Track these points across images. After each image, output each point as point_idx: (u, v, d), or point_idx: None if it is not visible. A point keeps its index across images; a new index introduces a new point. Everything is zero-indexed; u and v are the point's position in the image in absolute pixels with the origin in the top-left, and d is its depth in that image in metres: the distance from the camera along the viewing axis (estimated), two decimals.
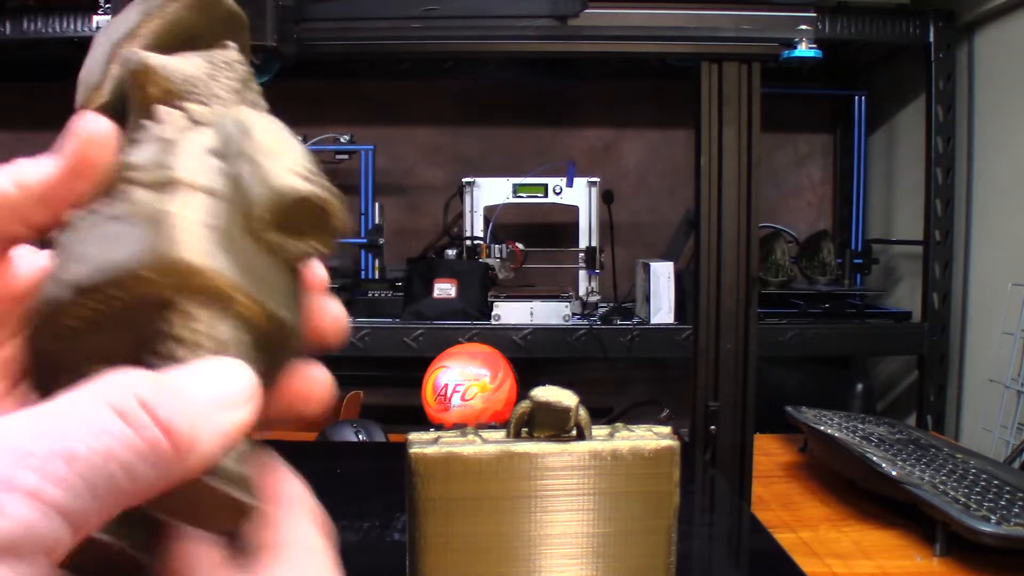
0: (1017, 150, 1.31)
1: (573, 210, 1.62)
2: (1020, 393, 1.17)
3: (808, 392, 1.46)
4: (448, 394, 0.94)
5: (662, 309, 1.48)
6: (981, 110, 1.43)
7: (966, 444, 1.18)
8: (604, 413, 1.35)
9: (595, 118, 1.94)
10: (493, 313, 1.48)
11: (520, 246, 1.60)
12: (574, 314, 1.49)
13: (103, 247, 0.20)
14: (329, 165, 1.68)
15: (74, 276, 0.20)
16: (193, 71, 0.26)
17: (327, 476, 0.69)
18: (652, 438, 0.30)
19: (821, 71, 1.78)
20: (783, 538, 0.66)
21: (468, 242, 1.59)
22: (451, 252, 1.61)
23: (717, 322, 0.81)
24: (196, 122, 0.25)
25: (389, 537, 0.56)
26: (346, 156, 1.69)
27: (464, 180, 1.62)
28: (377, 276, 1.67)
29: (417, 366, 1.04)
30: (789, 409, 0.97)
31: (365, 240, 1.66)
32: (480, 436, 0.30)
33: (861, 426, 0.93)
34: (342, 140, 1.67)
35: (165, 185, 0.22)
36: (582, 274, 1.59)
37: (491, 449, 0.29)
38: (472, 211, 1.61)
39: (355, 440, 0.94)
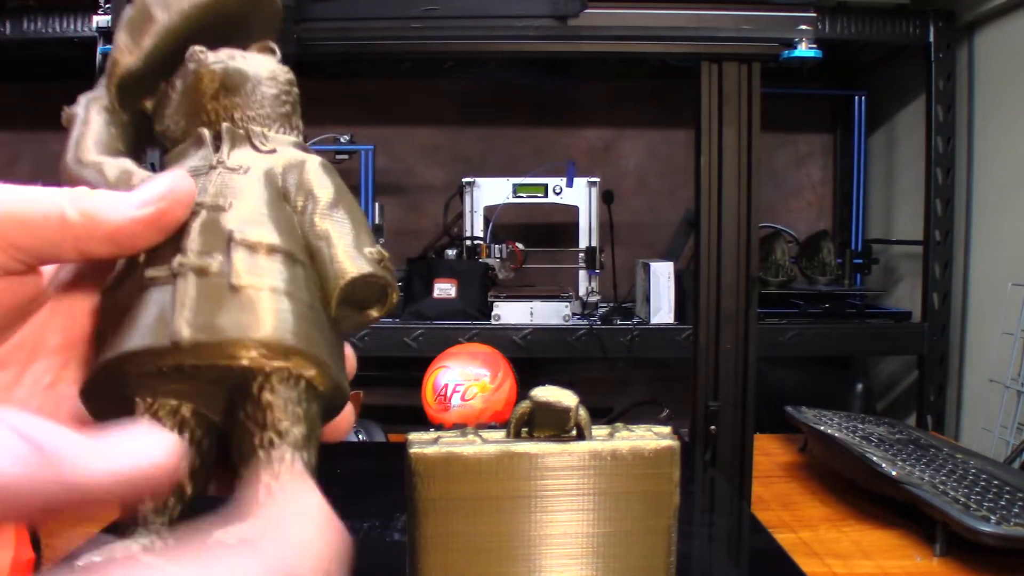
0: (1017, 150, 1.31)
1: (573, 210, 1.62)
2: (1020, 393, 1.17)
3: (808, 392, 1.46)
4: (448, 394, 0.94)
5: (662, 309, 1.48)
6: (981, 110, 1.43)
7: (966, 444, 1.18)
8: (604, 413, 1.35)
9: (595, 118, 1.94)
10: (493, 313, 1.48)
11: (520, 246, 1.59)
12: (574, 314, 1.49)
13: (206, 307, 0.22)
14: None
15: (178, 330, 0.21)
16: (250, 75, 0.28)
17: (327, 476, 0.68)
18: (652, 438, 0.30)
19: (821, 71, 1.78)
20: (783, 538, 0.66)
21: (468, 242, 1.59)
22: (451, 252, 1.61)
23: (717, 322, 0.81)
24: (260, 151, 0.27)
25: (389, 537, 0.56)
26: (346, 156, 1.69)
27: (464, 180, 1.62)
28: None
29: (417, 366, 1.04)
30: (789, 409, 0.97)
31: None
32: (480, 436, 0.30)
33: (861, 426, 0.93)
34: (342, 140, 1.67)
35: (254, 246, 0.23)
36: (582, 274, 1.59)
37: (491, 449, 0.29)
38: (472, 211, 1.61)
39: (355, 440, 0.94)
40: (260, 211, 0.24)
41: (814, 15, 0.79)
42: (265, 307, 0.22)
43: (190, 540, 0.19)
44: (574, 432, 0.30)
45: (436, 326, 1.44)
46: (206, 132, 0.27)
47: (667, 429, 0.31)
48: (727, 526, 0.69)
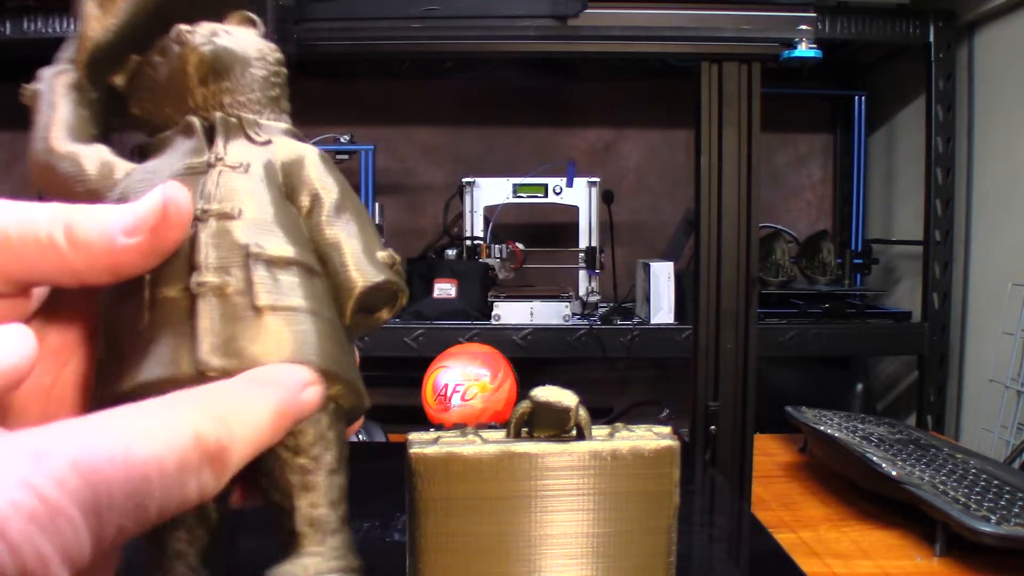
0: (1017, 150, 1.31)
1: (573, 210, 1.62)
2: (1020, 393, 1.17)
3: (808, 392, 1.46)
4: (448, 394, 0.94)
5: (662, 309, 1.48)
6: (981, 110, 1.43)
7: (966, 444, 1.18)
8: (604, 413, 1.35)
9: (595, 118, 1.94)
10: (493, 313, 1.47)
11: (520, 246, 1.59)
12: (574, 314, 1.49)
13: (230, 331, 0.21)
14: None
15: (204, 359, 0.21)
16: (239, 56, 0.25)
17: None
18: (652, 438, 0.30)
19: (821, 71, 1.78)
20: (783, 538, 0.66)
21: (468, 242, 1.59)
22: (451, 252, 1.61)
23: (717, 322, 0.81)
24: (255, 143, 0.25)
25: (389, 537, 0.56)
26: (346, 156, 1.69)
27: (464, 180, 1.62)
28: None
29: (417, 366, 1.04)
30: (789, 409, 0.97)
31: None
32: (480, 436, 0.30)
33: (861, 426, 0.93)
34: (342, 140, 1.67)
35: (272, 261, 0.22)
36: (582, 274, 1.59)
37: (491, 449, 0.29)
38: (472, 211, 1.61)
39: (355, 440, 0.94)
40: (269, 218, 0.23)
41: (814, 15, 0.79)
42: (290, 329, 0.22)
43: None
44: (574, 432, 0.30)
45: (436, 326, 1.44)
46: (197, 122, 0.25)
47: (667, 429, 0.31)
48: (727, 526, 0.68)
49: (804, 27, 0.79)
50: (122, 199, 0.23)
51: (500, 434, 0.30)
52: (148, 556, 0.22)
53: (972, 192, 1.45)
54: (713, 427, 0.81)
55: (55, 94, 0.26)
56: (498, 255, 1.58)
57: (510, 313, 1.48)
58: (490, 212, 1.62)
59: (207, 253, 0.22)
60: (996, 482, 0.74)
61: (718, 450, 0.81)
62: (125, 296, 0.23)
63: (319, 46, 0.77)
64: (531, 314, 1.49)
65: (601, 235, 1.61)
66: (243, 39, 0.26)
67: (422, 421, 0.96)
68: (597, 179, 1.62)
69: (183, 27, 0.25)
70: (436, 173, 1.91)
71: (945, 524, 0.68)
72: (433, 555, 0.29)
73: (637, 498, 0.30)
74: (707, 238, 0.80)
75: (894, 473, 0.74)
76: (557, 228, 1.82)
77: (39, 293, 0.24)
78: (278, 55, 0.27)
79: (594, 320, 1.49)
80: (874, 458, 0.78)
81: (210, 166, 0.24)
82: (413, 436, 0.30)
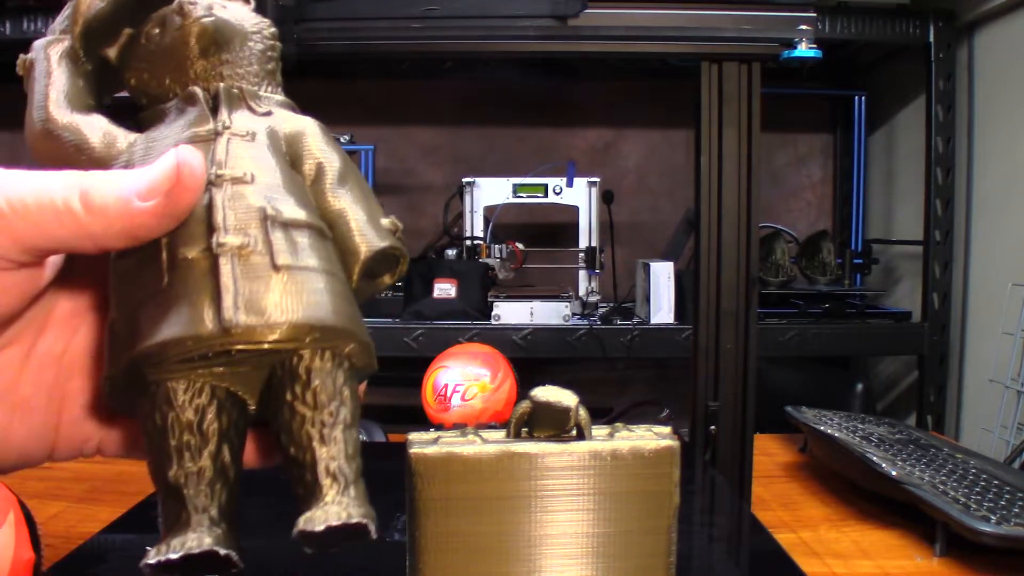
0: (1017, 150, 1.31)
1: (573, 210, 1.62)
2: (1020, 393, 1.17)
3: (808, 392, 1.46)
4: (448, 394, 0.94)
5: (662, 309, 1.48)
6: (981, 110, 1.43)
7: (966, 444, 1.18)
8: (604, 413, 1.35)
9: (595, 118, 1.94)
10: (493, 313, 1.47)
11: (520, 246, 1.59)
12: (574, 314, 1.49)
13: (253, 288, 0.22)
14: None
15: (228, 314, 0.21)
16: (238, 30, 0.26)
17: None
18: (652, 438, 0.30)
19: (821, 71, 1.78)
20: (783, 538, 0.66)
21: (468, 242, 1.59)
22: (451, 252, 1.61)
23: (717, 322, 0.81)
24: (256, 113, 0.26)
25: (389, 537, 0.56)
26: None
27: (464, 180, 1.62)
28: None
29: (417, 366, 1.04)
30: (789, 409, 0.97)
31: None
32: (480, 436, 0.30)
33: (861, 426, 0.93)
34: (342, 140, 1.67)
35: (289, 223, 0.23)
36: (582, 274, 1.59)
37: (491, 449, 0.29)
38: (472, 211, 1.61)
39: None
40: (280, 183, 0.24)
41: (814, 15, 0.79)
42: (309, 288, 0.22)
43: None
44: (574, 432, 0.30)
45: (436, 326, 1.44)
46: (200, 92, 0.25)
47: (667, 429, 0.31)
48: (727, 526, 0.68)
49: (804, 27, 0.79)
50: (128, 168, 0.24)
51: (500, 434, 0.30)
52: (170, 510, 0.22)
53: (972, 192, 1.45)
54: (713, 427, 0.81)
55: (50, 64, 0.25)
56: (498, 255, 1.58)
57: (510, 313, 1.48)
58: (490, 212, 1.62)
59: (225, 215, 0.22)
60: (996, 482, 0.74)
61: (718, 450, 0.81)
62: (142, 263, 0.23)
63: (319, 46, 0.77)
64: (531, 314, 1.49)
65: (601, 235, 1.61)
66: (240, 13, 0.27)
67: (422, 421, 0.96)
68: (597, 179, 1.62)
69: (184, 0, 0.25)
70: (436, 173, 1.91)
71: (945, 524, 0.68)
72: (433, 555, 0.29)
73: (637, 498, 0.30)
74: (707, 238, 0.80)
75: (894, 473, 0.74)
76: (557, 228, 1.82)
77: (54, 263, 0.24)
78: (273, 30, 0.28)
79: (594, 320, 1.49)
80: (874, 458, 0.78)
81: (217, 134, 0.24)
82: (413, 436, 0.30)
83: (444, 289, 1.49)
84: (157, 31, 0.25)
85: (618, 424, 0.31)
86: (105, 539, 0.61)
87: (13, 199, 0.21)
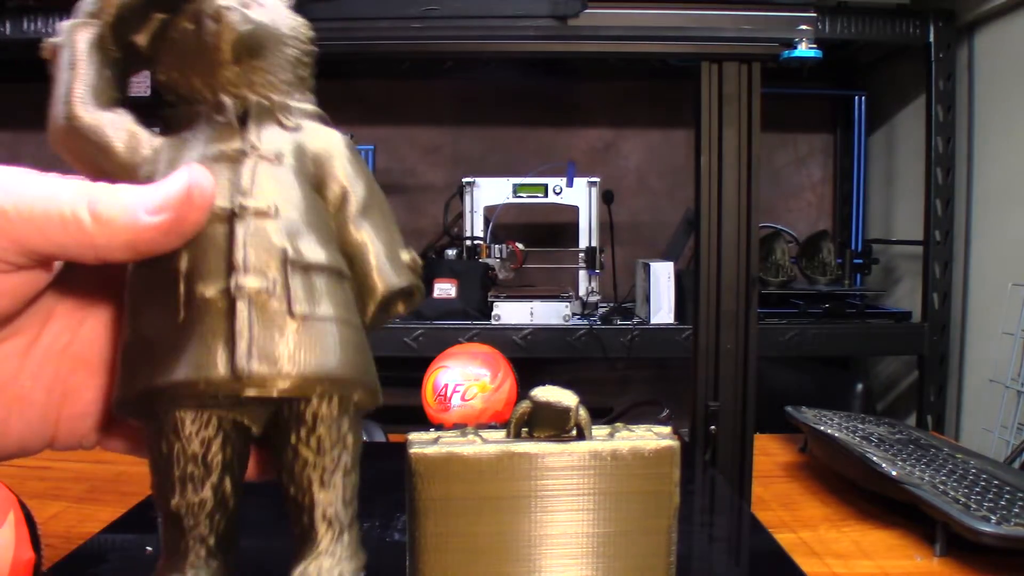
0: (1017, 150, 1.31)
1: (573, 210, 1.62)
2: (1020, 393, 1.17)
3: (808, 392, 1.46)
4: (448, 394, 0.94)
5: (662, 309, 1.48)
6: (981, 110, 1.43)
7: (966, 444, 1.18)
8: (604, 413, 1.35)
9: (595, 118, 1.94)
10: (493, 313, 1.47)
11: (520, 246, 1.59)
12: (574, 314, 1.49)
13: (267, 336, 0.22)
14: None
15: (241, 363, 0.21)
16: (273, 35, 0.25)
17: None
18: (652, 438, 0.30)
19: (821, 71, 1.77)
20: (783, 538, 0.66)
21: (468, 242, 1.59)
22: (451, 252, 1.61)
23: (717, 322, 0.81)
24: (285, 128, 0.25)
25: (389, 537, 0.56)
26: None
27: (464, 180, 1.62)
28: None
29: (417, 366, 1.04)
30: (789, 409, 0.97)
31: None
32: (480, 436, 0.30)
33: (861, 426, 0.93)
34: None
35: (308, 267, 0.23)
36: (582, 274, 1.59)
37: (491, 449, 0.29)
38: (472, 211, 1.61)
39: None
40: (303, 217, 0.24)
41: (814, 15, 0.79)
42: (322, 339, 0.22)
43: None
44: (574, 432, 0.30)
45: (436, 326, 1.44)
46: (229, 103, 0.24)
47: (667, 429, 0.31)
48: (727, 526, 0.68)
49: (804, 27, 0.79)
50: (148, 180, 0.23)
51: (500, 434, 0.30)
52: (170, 537, 0.23)
53: (972, 192, 1.45)
54: (713, 427, 0.81)
55: (76, 51, 0.24)
56: (498, 255, 1.58)
57: (510, 313, 1.48)
58: (490, 212, 1.62)
59: (246, 254, 0.22)
60: (996, 482, 0.74)
61: (718, 450, 0.81)
62: (158, 288, 0.23)
63: (319, 46, 0.77)
64: (531, 314, 1.49)
65: (601, 235, 1.61)
66: (277, 14, 0.26)
67: (422, 421, 0.96)
68: (597, 179, 1.62)
69: (220, 2, 0.24)
70: (436, 173, 1.91)
71: (945, 524, 0.68)
72: (433, 555, 0.29)
73: (637, 498, 0.30)
74: (707, 238, 0.80)
75: (894, 473, 0.74)
76: (557, 228, 1.82)
77: (56, 264, 0.24)
78: (310, 33, 0.27)
79: (594, 320, 1.49)
80: (874, 458, 0.78)
81: (244, 155, 0.24)
82: (413, 436, 0.30)
83: (444, 289, 1.49)
84: (191, 27, 0.24)
85: (618, 424, 0.31)
86: (105, 539, 0.61)
87: (19, 202, 0.21)
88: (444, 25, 0.77)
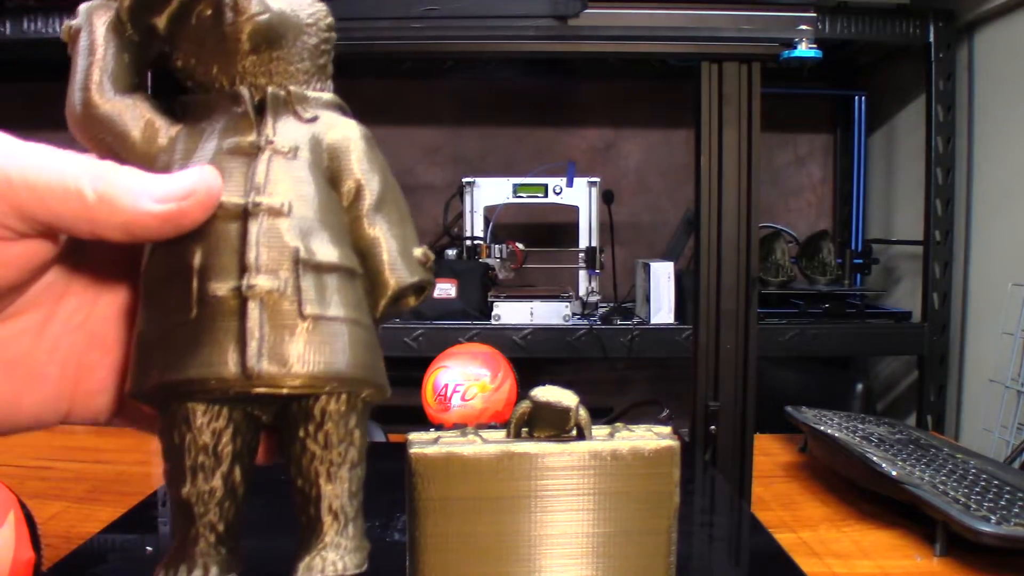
0: (1017, 150, 1.31)
1: (573, 210, 1.62)
2: (1020, 393, 1.17)
3: (808, 392, 1.46)
4: (448, 394, 0.94)
5: (662, 309, 1.48)
6: (981, 110, 1.43)
7: (966, 444, 1.18)
8: (604, 413, 1.35)
9: (595, 118, 1.94)
10: (493, 313, 1.47)
11: (520, 246, 1.59)
12: (574, 314, 1.49)
13: (278, 336, 0.22)
14: None
15: (251, 363, 0.22)
16: (293, 24, 0.25)
17: None
18: (652, 438, 0.30)
19: (821, 71, 1.77)
20: (783, 538, 0.66)
21: (468, 242, 1.59)
22: (451, 252, 1.61)
23: (717, 322, 0.81)
24: (302, 119, 0.25)
25: (389, 537, 0.56)
26: None
27: (464, 180, 1.62)
28: None
29: (417, 366, 1.04)
30: (789, 409, 0.97)
31: None
32: (480, 436, 0.30)
33: (861, 426, 0.93)
34: None
35: (320, 266, 0.23)
36: (582, 274, 1.59)
37: (491, 449, 0.29)
38: (472, 211, 1.61)
39: None
40: (317, 215, 0.24)
41: (814, 15, 0.79)
42: (332, 339, 0.23)
43: None
44: (574, 432, 0.30)
45: (436, 326, 1.44)
46: (246, 94, 0.24)
47: (667, 429, 0.31)
48: (727, 526, 0.68)
49: (804, 27, 0.79)
50: (164, 171, 0.23)
51: (500, 434, 0.30)
52: (181, 524, 0.23)
53: (972, 192, 1.45)
54: (713, 427, 0.81)
55: (94, 34, 0.24)
56: (498, 255, 1.58)
57: (510, 313, 1.48)
58: (490, 212, 1.62)
59: (258, 253, 0.22)
60: (996, 482, 0.74)
61: (718, 450, 0.81)
62: (172, 282, 0.23)
63: None
64: (531, 314, 1.49)
65: (601, 235, 1.60)
66: (296, 2, 0.25)
67: (422, 421, 0.96)
68: (597, 179, 1.62)
69: None
70: (436, 173, 1.91)
71: (945, 524, 0.68)
72: (433, 555, 0.29)
73: (637, 498, 0.30)
74: (707, 238, 0.80)
75: (894, 473, 0.74)
76: (557, 228, 1.82)
77: (64, 238, 0.24)
78: (329, 20, 0.27)
79: (594, 320, 1.49)
80: (874, 458, 0.78)
81: (259, 149, 0.24)
82: (413, 436, 0.30)
83: (444, 289, 1.49)
84: (209, 13, 0.24)
85: (618, 424, 0.31)
86: (105, 539, 0.61)
87: (24, 169, 0.21)
88: (444, 25, 0.77)
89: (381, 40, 0.80)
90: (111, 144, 0.24)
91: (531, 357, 1.45)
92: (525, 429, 0.30)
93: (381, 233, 0.26)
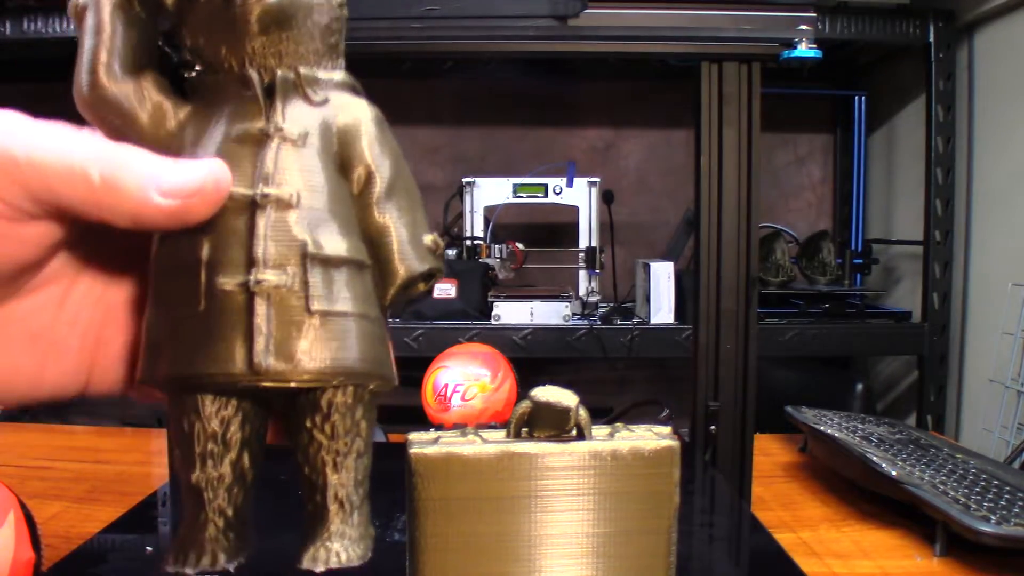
0: (1017, 150, 1.31)
1: (573, 210, 1.62)
2: (1020, 393, 1.17)
3: (808, 392, 1.46)
4: (448, 394, 0.94)
5: (662, 309, 1.48)
6: (981, 110, 1.43)
7: (966, 444, 1.18)
8: (604, 413, 1.35)
9: (595, 118, 1.94)
10: (493, 313, 1.47)
11: (520, 246, 1.59)
12: (574, 314, 1.49)
13: (285, 332, 0.22)
14: None
15: (259, 359, 0.22)
16: (303, 4, 0.24)
17: None
18: (652, 438, 0.30)
19: (821, 71, 1.77)
20: (783, 538, 0.66)
21: (468, 242, 1.59)
22: (451, 252, 1.61)
23: (717, 322, 0.81)
24: (312, 102, 0.25)
25: (389, 537, 0.56)
26: None
27: (464, 180, 1.62)
28: None
29: (417, 366, 1.04)
30: (789, 409, 0.97)
31: None
32: (480, 436, 0.30)
33: (861, 426, 0.93)
34: None
35: (328, 260, 0.23)
36: (582, 274, 1.59)
37: (491, 449, 0.29)
38: (472, 211, 1.61)
39: None
40: (326, 205, 0.24)
41: (814, 15, 0.79)
42: (340, 334, 0.23)
43: None
44: (574, 432, 0.30)
45: (436, 326, 1.44)
46: (255, 77, 0.24)
47: (667, 429, 0.31)
48: (727, 526, 0.69)
49: (804, 27, 0.79)
50: (173, 156, 0.23)
51: (500, 434, 0.30)
52: (190, 508, 0.24)
53: (972, 192, 1.45)
54: (713, 427, 0.81)
55: (102, 14, 0.24)
56: (498, 255, 1.58)
57: (510, 313, 1.48)
58: (490, 212, 1.62)
59: (266, 247, 0.22)
60: (996, 482, 0.74)
61: (718, 450, 0.81)
62: (178, 273, 0.23)
63: None
64: (531, 314, 1.49)
65: (601, 235, 1.60)
66: None
67: (422, 421, 0.96)
68: (597, 179, 1.62)
69: None
70: (436, 173, 1.91)
71: (945, 524, 0.68)
72: (433, 555, 0.29)
73: (637, 498, 0.30)
74: (707, 238, 0.80)
75: (894, 473, 0.74)
76: (557, 228, 1.82)
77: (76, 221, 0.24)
78: None
79: (594, 320, 1.49)
80: (874, 458, 0.78)
81: (268, 137, 0.24)
82: (413, 436, 0.30)
83: (444, 289, 1.49)
84: None
85: (618, 424, 0.31)
86: (105, 539, 0.61)
87: (31, 150, 0.21)
88: (444, 25, 0.77)
89: (381, 40, 0.80)
90: (119, 126, 0.24)
91: (531, 357, 1.45)
92: (525, 429, 0.30)
93: (391, 221, 0.25)
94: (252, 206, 0.23)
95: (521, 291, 1.60)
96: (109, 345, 0.26)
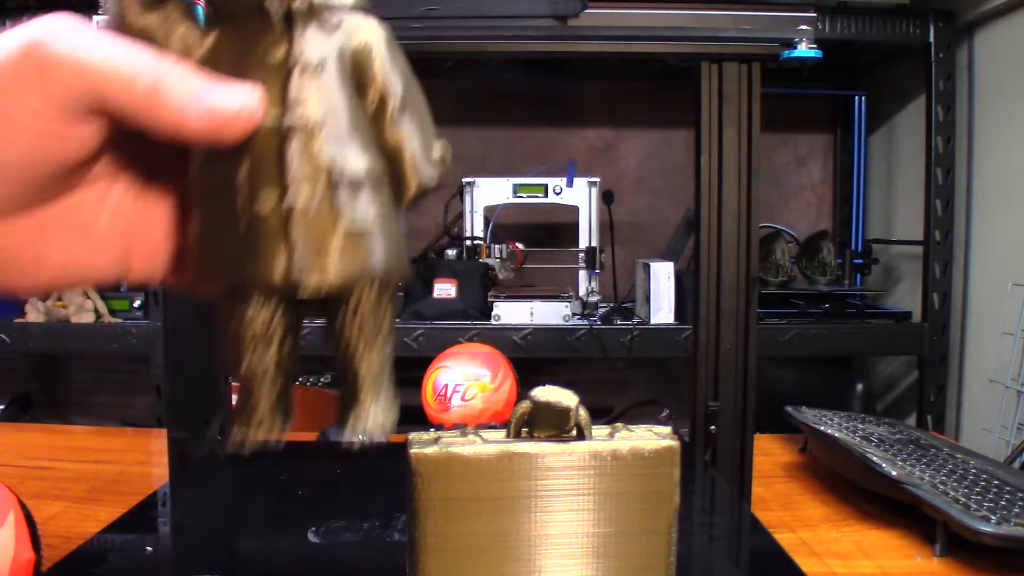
0: (1017, 150, 1.31)
1: (573, 210, 1.62)
2: (1020, 393, 1.17)
3: (808, 392, 1.46)
4: (448, 394, 0.94)
5: (662, 309, 1.48)
6: (981, 110, 1.43)
7: (966, 444, 1.18)
8: (604, 413, 1.35)
9: (595, 118, 1.94)
10: (493, 313, 1.47)
11: (520, 246, 1.59)
12: (574, 314, 1.49)
13: (317, 246, 0.25)
14: None
15: (295, 271, 0.25)
16: None
17: (327, 476, 0.69)
18: (652, 438, 0.30)
19: (821, 71, 1.77)
20: (783, 538, 0.66)
21: (468, 242, 1.59)
22: (451, 252, 1.61)
23: (717, 322, 0.81)
24: (327, 28, 0.26)
25: (389, 537, 0.56)
26: None
27: (464, 180, 1.62)
28: None
29: (417, 366, 1.04)
30: (789, 409, 0.97)
31: None
32: (480, 436, 0.30)
33: (861, 426, 0.93)
34: None
35: (352, 178, 0.26)
36: (582, 274, 1.59)
37: (491, 449, 0.29)
38: (472, 211, 1.61)
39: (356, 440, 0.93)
40: (348, 125, 0.26)
41: (814, 15, 0.79)
42: (368, 242, 0.26)
43: None
44: (574, 432, 0.30)
45: (436, 326, 1.44)
46: (273, 7, 0.25)
47: (667, 429, 0.31)
48: (727, 526, 0.69)
49: (804, 27, 0.79)
50: None
51: (500, 434, 0.30)
52: (243, 394, 0.28)
53: (972, 192, 1.45)
54: (713, 427, 0.81)
55: None
56: (498, 255, 1.58)
57: (510, 313, 1.48)
58: (490, 212, 1.62)
59: (295, 172, 0.25)
60: (996, 482, 0.74)
61: (718, 450, 0.81)
62: (219, 190, 0.26)
63: None
64: (531, 314, 1.49)
65: (601, 235, 1.61)
66: None
67: (422, 421, 0.96)
68: (597, 179, 1.62)
69: None
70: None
71: (945, 524, 0.68)
72: (433, 555, 0.29)
73: (637, 498, 0.30)
74: (707, 238, 0.80)
75: (894, 473, 0.74)
76: (557, 228, 1.82)
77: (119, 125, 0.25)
78: None
79: (594, 320, 1.49)
80: (874, 458, 0.78)
81: (289, 64, 0.25)
82: (413, 436, 0.30)
83: (444, 289, 1.49)
84: None
85: (618, 424, 0.31)
86: (105, 539, 0.61)
87: (84, 57, 0.23)
88: (444, 25, 0.77)
89: None
90: None
91: (531, 357, 1.45)
92: (525, 429, 0.30)
93: (403, 136, 0.28)
94: (281, 131, 0.25)
95: (521, 291, 1.60)
96: (149, 237, 0.29)
